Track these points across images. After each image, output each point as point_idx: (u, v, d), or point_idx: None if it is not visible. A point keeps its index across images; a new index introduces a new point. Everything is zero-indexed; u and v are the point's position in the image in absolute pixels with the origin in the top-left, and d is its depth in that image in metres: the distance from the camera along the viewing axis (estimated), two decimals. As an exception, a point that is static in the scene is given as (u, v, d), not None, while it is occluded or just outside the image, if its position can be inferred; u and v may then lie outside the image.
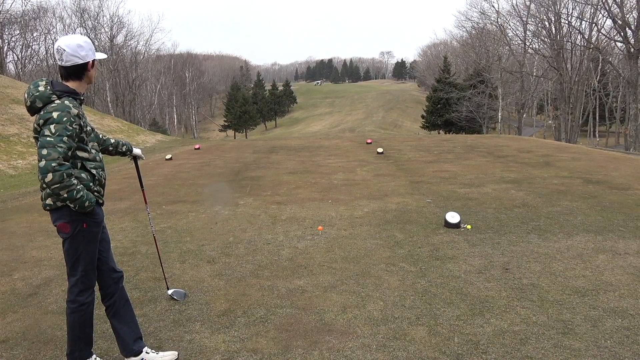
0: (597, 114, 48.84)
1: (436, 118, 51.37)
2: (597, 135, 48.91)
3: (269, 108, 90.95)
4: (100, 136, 2.89)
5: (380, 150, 12.93)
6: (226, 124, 75.78)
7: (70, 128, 2.38)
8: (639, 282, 3.71)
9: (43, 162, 2.29)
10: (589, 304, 3.36)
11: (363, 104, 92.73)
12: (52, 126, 2.34)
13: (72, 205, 2.41)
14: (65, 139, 2.34)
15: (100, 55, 2.66)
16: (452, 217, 5.48)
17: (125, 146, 3.06)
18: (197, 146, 16.48)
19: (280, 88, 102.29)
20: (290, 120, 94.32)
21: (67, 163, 2.35)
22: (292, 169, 10.62)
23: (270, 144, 16.94)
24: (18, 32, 45.92)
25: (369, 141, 15.93)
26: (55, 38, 49.51)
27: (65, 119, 2.36)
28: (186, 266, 4.44)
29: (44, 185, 2.34)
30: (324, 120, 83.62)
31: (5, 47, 44.14)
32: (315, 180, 8.94)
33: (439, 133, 49.96)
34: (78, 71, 2.52)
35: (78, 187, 2.40)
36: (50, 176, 2.28)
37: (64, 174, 2.31)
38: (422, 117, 55.59)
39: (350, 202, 6.95)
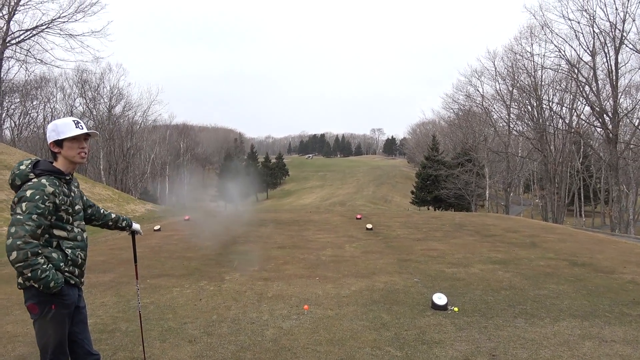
0: (582, 194, 50.02)
1: (425, 194, 52.22)
2: (583, 215, 49.70)
3: (261, 180, 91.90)
4: (102, 211, 2.97)
5: (369, 226, 13.00)
6: (218, 194, 76.08)
7: (42, 206, 2.40)
8: (626, 373, 3.66)
9: (10, 240, 2.31)
10: (577, 395, 3.30)
11: (354, 178, 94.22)
12: (23, 204, 2.38)
13: (36, 285, 2.38)
14: (34, 217, 2.37)
15: (69, 134, 2.60)
16: (439, 298, 5.45)
17: (125, 221, 3.16)
18: (186, 217, 16.45)
19: (273, 160, 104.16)
20: (282, 192, 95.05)
21: (34, 241, 2.35)
22: (281, 243, 10.59)
23: (260, 217, 16.98)
24: (18, 99, 47.21)
25: (358, 216, 16.06)
26: (54, 107, 50.87)
27: (37, 197, 2.40)
28: (166, 346, 4.31)
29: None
30: (315, 193, 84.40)
31: (4, 113, 45.14)
32: (303, 256, 8.90)
33: (428, 209, 50.47)
34: (51, 151, 2.64)
35: (44, 266, 2.37)
36: (14, 254, 2.29)
37: (28, 252, 2.31)
38: (412, 192, 56.49)
39: (338, 280, 6.90)
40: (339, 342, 4.38)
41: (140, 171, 63.65)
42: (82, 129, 2.65)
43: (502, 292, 6.19)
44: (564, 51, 34.76)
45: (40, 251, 2.39)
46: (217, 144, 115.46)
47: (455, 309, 5.37)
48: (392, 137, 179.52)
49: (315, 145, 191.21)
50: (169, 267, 8.01)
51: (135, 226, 3.28)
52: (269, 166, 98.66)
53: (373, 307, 5.52)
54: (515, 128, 44.70)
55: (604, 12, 45.07)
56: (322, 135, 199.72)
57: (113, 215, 3.06)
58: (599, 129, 35.61)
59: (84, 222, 2.80)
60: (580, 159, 46.59)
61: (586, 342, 4.35)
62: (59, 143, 2.61)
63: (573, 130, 37.49)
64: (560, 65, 35.49)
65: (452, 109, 53.59)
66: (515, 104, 42.73)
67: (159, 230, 12.94)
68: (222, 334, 4.61)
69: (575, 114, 39.12)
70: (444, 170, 47.91)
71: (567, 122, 38.93)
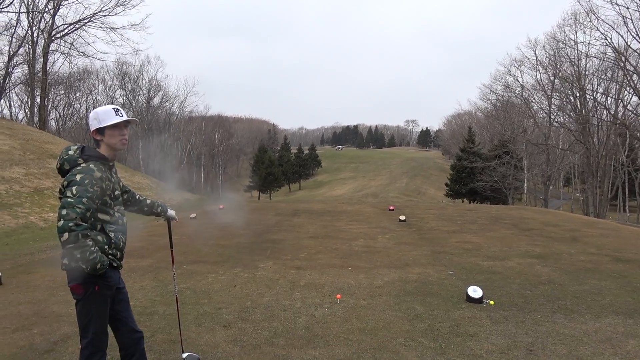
0: (627, 189, 47.82)
1: (460, 187, 51.20)
2: (627, 210, 47.58)
3: (294, 171, 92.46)
4: (137, 197, 3.04)
5: (402, 217, 12.87)
6: (251, 184, 77.11)
7: (91, 190, 2.48)
8: (674, 373, 3.49)
9: (61, 222, 2.39)
10: (620, 394, 3.17)
11: (387, 170, 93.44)
12: (74, 188, 2.46)
13: (84, 266, 2.45)
14: (84, 200, 2.44)
15: (110, 122, 2.68)
16: (475, 291, 5.34)
17: (160, 207, 3.20)
18: (221, 206, 16.75)
19: (306, 152, 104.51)
20: (315, 183, 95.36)
21: (84, 224, 2.43)
22: (314, 233, 10.64)
23: (293, 207, 17.09)
24: (63, 91, 49.15)
25: (391, 208, 15.92)
26: (96, 98, 52.74)
27: (87, 181, 2.48)
28: (202, 329, 4.42)
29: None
30: (348, 185, 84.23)
31: (50, 105, 47.09)
32: (336, 246, 8.91)
33: (463, 202, 49.52)
34: (94, 138, 2.72)
35: (92, 248, 2.45)
36: (66, 235, 2.37)
37: (79, 234, 2.38)
38: (446, 185, 55.51)
39: (370, 270, 6.88)
40: (372, 332, 4.37)
41: (177, 161, 65.24)
42: (122, 116, 2.73)
43: (540, 286, 6.01)
44: (611, 38, 33.16)
45: (89, 233, 2.47)
46: (251, 135, 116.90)
47: (491, 302, 5.26)
48: (427, 128, 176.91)
49: (348, 136, 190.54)
50: (204, 253, 8.18)
51: (171, 212, 3.32)
52: (301, 157, 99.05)
53: (406, 298, 5.48)
54: (556, 119, 43.10)
55: (655, -4, 42.65)
56: (355, 127, 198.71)
57: (148, 201, 3.11)
58: (647, 120, 33.90)
59: (122, 207, 2.88)
60: (626, 152, 44.43)
61: (630, 340, 4.17)
62: (100, 131, 2.68)
63: (619, 121, 35.83)
64: (606, 53, 33.92)
65: (489, 99, 52.22)
66: (557, 94, 41.14)
67: (194, 218, 13.23)
68: (255, 320, 4.68)
69: (621, 104, 37.36)
70: (480, 162, 46.73)
71: (612, 113, 37.18)
